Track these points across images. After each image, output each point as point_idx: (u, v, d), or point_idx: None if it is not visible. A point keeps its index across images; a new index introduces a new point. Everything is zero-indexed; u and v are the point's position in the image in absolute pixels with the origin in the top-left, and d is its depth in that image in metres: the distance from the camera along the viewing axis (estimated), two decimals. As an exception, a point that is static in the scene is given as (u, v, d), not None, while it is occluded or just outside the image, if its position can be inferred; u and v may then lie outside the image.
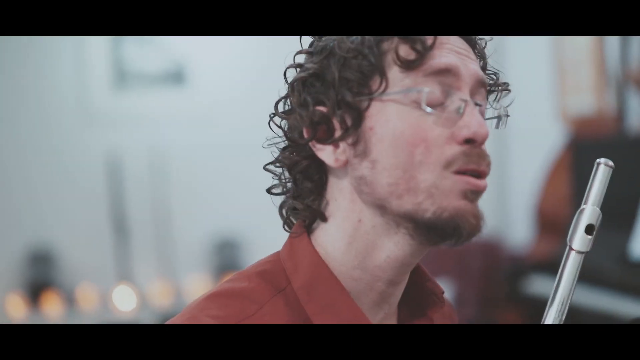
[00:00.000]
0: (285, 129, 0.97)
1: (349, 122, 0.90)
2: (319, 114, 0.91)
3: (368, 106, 0.90)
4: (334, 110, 0.91)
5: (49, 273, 3.95)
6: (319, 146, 0.93)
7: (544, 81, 3.61)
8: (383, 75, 0.89)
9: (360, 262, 0.94)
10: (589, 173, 0.88)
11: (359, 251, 0.94)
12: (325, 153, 0.93)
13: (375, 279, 0.95)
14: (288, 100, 0.97)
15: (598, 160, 0.88)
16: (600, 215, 0.87)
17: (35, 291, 3.88)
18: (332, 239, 0.96)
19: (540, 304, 3.14)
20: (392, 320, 0.99)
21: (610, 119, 3.26)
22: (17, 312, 3.83)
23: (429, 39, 0.89)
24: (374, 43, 0.90)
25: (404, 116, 0.88)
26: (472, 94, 0.91)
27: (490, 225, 3.69)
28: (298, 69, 0.96)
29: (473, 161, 0.87)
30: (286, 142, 0.97)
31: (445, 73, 0.89)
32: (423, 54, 0.88)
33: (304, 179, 0.96)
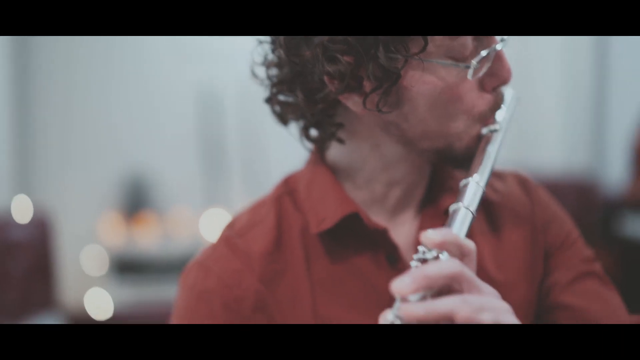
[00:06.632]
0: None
1: (383, 82, 0.85)
2: (347, 66, 0.85)
3: (404, 65, 0.84)
4: (364, 63, 0.84)
5: (145, 195, 4.12)
6: (345, 94, 0.88)
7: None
8: (425, 39, 0.82)
9: (376, 177, 0.97)
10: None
11: (374, 168, 0.96)
12: (352, 102, 0.89)
13: (390, 188, 0.97)
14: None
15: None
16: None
17: (132, 211, 4.07)
18: (346, 158, 0.98)
19: (634, 245, 3.07)
20: (414, 223, 0.99)
21: None
22: (115, 229, 4.01)
23: None
24: None
25: (443, 76, 0.86)
26: None
27: (586, 164, 3.60)
28: None
29: (494, 112, 0.92)
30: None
31: None
32: None
33: (316, 101, 0.91)
